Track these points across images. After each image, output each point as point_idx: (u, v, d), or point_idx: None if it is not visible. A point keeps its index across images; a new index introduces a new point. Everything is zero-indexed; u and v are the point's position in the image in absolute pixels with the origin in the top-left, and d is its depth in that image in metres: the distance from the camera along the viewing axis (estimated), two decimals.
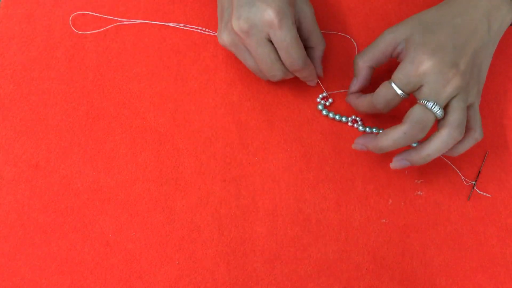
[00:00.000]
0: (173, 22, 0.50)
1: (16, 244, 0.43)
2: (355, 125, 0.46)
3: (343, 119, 0.46)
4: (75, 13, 0.50)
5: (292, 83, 0.47)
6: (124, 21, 0.50)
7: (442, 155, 0.40)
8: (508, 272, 0.43)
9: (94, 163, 0.45)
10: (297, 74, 0.43)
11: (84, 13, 0.50)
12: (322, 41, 0.45)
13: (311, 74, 0.44)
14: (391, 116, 0.47)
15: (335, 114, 0.46)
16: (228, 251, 0.43)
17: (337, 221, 0.44)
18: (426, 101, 0.38)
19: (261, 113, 0.47)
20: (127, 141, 0.46)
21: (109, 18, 0.50)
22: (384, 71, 0.47)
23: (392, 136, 0.38)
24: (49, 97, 0.47)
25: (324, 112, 0.46)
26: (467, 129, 0.40)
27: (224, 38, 0.42)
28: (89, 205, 0.44)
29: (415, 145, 0.41)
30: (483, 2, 0.40)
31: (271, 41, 0.40)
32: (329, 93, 0.47)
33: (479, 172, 0.46)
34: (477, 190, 0.45)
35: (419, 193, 0.45)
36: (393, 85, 0.39)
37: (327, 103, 0.47)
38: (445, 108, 0.39)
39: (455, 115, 0.38)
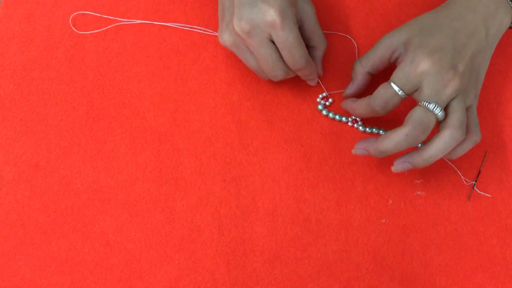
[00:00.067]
0: (173, 22, 0.50)
1: (16, 244, 0.43)
2: (355, 125, 0.46)
3: (343, 119, 0.46)
4: (75, 13, 0.50)
5: (292, 83, 0.47)
6: (124, 21, 0.50)
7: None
8: (508, 272, 0.43)
9: (94, 163, 0.45)
10: (299, 73, 0.43)
11: (84, 13, 0.50)
12: (324, 40, 0.45)
13: (312, 72, 0.44)
14: (391, 116, 0.47)
15: (335, 114, 0.46)
16: (228, 251, 0.43)
17: (337, 221, 0.44)
18: (427, 103, 0.38)
19: (261, 113, 0.47)
20: (127, 141, 0.46)
21: (109, 18, 0.50)
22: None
23: (394, 139, 0.38)
24: (49, 97, 0.47)
25: (324, 112, 0.46)
26: (466, 131, 0.40)
27: (225, 38, 0.42)
28: (89, 205, 0.44)
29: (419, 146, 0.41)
30: (482, 6, 0.40)
31: (273, 41, 0.40)
32: (329, 93, 0.47)
33: (479, 172, 0.46)
34: (477, 190, 0.45)
35: (419, 193, 0.45)
36: (392, 84, 0.39)
37: (327, 103, 0.47)
38: (445, 110, 0.39)
39: (456, 116, 0.38)
